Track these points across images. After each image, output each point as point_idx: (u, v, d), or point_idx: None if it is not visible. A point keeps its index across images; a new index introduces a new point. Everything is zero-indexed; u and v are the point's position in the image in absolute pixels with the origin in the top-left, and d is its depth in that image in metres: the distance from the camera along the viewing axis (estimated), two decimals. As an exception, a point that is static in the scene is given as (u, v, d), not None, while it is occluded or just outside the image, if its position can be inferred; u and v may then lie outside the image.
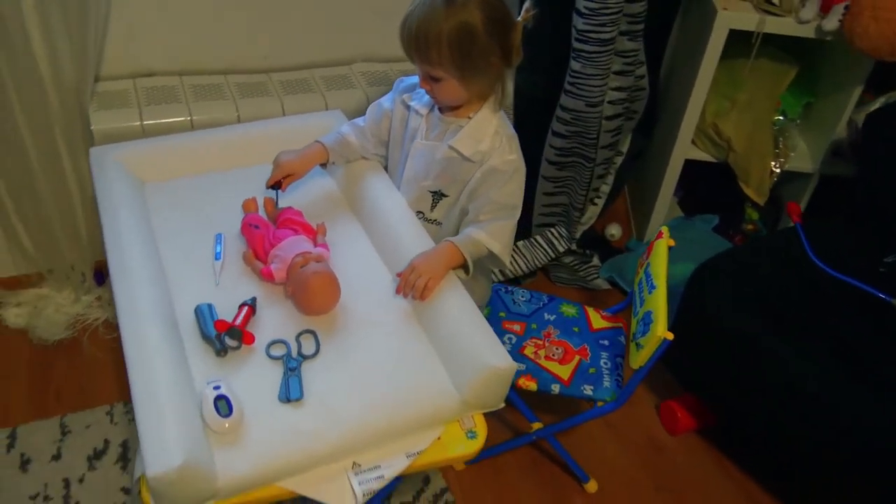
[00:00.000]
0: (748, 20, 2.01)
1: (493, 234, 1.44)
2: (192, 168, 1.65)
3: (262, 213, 1.56)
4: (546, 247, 2.35)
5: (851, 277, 1.81)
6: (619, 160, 2.36)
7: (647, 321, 1.50)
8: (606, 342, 1.78)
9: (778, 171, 2.26)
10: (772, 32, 2.03)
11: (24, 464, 1.78)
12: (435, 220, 1.56)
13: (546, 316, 1.83)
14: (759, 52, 2.11)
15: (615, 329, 1.82)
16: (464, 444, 1.24)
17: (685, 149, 2.30)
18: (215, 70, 2.05)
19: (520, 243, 2.35)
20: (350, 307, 1.38)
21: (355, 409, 1.21)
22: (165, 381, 1.16)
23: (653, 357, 1.47)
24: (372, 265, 1.49)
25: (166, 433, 1.07)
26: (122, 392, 1.92)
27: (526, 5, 1.41)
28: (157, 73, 2.00)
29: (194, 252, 1.46)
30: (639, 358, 1.50)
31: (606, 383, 1.67)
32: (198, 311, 1.32)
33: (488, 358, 1.24)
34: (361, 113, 1.65)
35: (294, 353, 1.28)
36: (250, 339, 1.28)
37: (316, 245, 1.44)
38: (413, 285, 1.34)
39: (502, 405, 1.30)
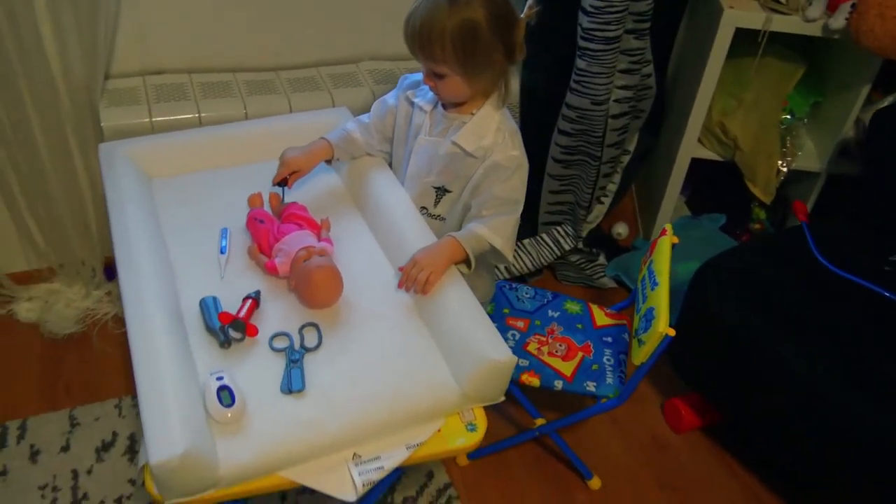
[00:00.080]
0: (754, 19, 2.01)
1: (495, 229, 1.45)
2: (199, 164, 1.67)
3: (267, 207, 1.58)
4: (552, 245, 2.36)
5: (856, 276, 1.81)
6: (625, 159, 2.36)
7: (649, 317, 1.50)
8: (610, 339, 1.78)
9: (785, 170, 2.26)
10: (778, 31, 2.03)
11: (34, 455, 1.80)
12: (438, 216, 1.58)
13: (550, 313, 1.84)
14: (766, 51, 2.11)
15: (619, 326, 1.82)
16: (464, 436, 1.25)
17: (691, 147, 2.30)
18: (224, 68, 2.07)
19: (526, 241, 2.36)
20: (353, 301, 1.39)
21: (356, 400, 1.22)
22: (169, 371, 1.17)
23: (654, 353, 1.47)
24: (375, 260, 1.50)
25: (170, 422, 1.09)
26: (130, 386, 1.94)
27: (529, 2, 1.42)
28: (166, 70, 2.03)
29: (200, 246, 1.48)
30: (641, 354, 1.51)
31: (609, 380, 1.68)
32: (203, 304, 1.33)
33: (488, 351, 1.25)
34: (368, 110, 1.66)
35: (297, 346, 1.30)
36: (254, 331, 1.30)
37: (320, 240, 1.46)
38: (415, 279, 1.35)
39: (502, 398, 1.31)
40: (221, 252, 1.46)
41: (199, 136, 1.74)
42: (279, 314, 1.36)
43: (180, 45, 2.01)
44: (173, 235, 1.49)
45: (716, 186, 2.59)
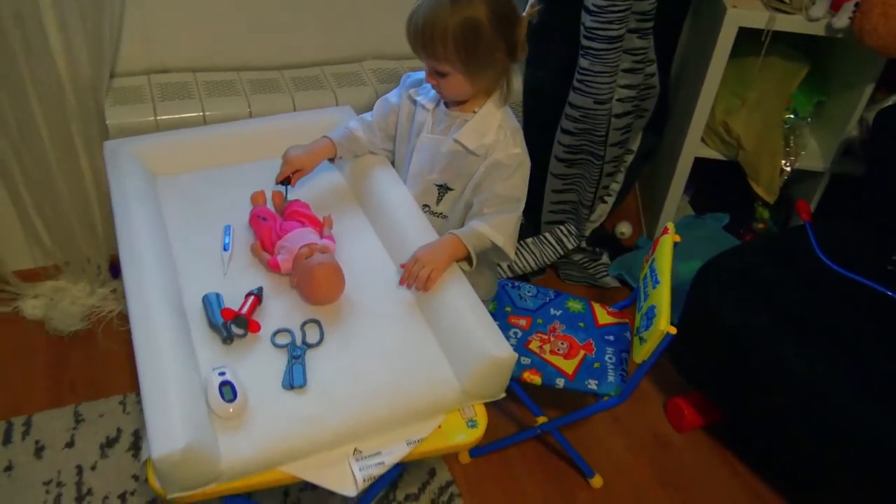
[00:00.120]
0: (758, 18, 2.01)
1: (496, 226, 1.45)
2: (202, 162, 1.68)
3: (270, 205, 1.59)
4: (555, 244, 2.36)
5: (859, 275, 1.80)
6: (629, 158, 2.36)
7: (650, 316, 1.50)
8: (612, 338, 1.79)
9: (788, 169, 2.26)
10: (782, 30, 2.02)
11: (39, 451, 1.81)
12: (441, 214, 1.58)
13: (552, 311, 1.84)
14: (770, 50, 2.11)
15: (621, 325, 1.83)
16: (464, 432, 1.26)
17: (695, 147, 2.30)
18: (228, 67, 2.08)
19: (529, 240, 2.36)
20: (354, 298, 1.40)
21: (357, 396, 1.23)
22: (172, 366, 1.18)
23: (656, 351, 1.48)
24: (377, 257, 1.51)
25: (172, 417, 1.10)
26: (134, 383, 1.95)
27: (531, 0, 1.43)
28: (171, 69, 2.04)
29: (203, 243, 1.49)
30: (642, 352, 1.51)
31: (611, 378, 1.68)
32: (205, 300, 1.34)
33: (489, 348, 1.25)
34: (371, 109, 1.67)
35: (298, 342, 1.31)
36: (256, 327, 1.31)
37: (322, 237, 1.47)
38: (416, 276, 1.36)
39: (503, 395, 1.32)
40: (224, 249, 1.48)
41: (203, 134, 1.75)
42: (281, 311, 1.37)
43: (185, 44, 2.02)
44: (177, 232, 1.51)
45: (719, 186, 2.59)
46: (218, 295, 1.35)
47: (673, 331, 1.43)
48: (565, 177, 2.24)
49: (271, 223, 1.48)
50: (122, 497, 1.74)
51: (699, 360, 1.89)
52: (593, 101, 2.04)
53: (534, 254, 2.35)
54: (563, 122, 2.12)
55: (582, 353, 1.74)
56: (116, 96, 1.91)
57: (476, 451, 1.88)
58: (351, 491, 1.17)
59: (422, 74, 1.52)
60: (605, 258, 2.46)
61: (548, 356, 1.72)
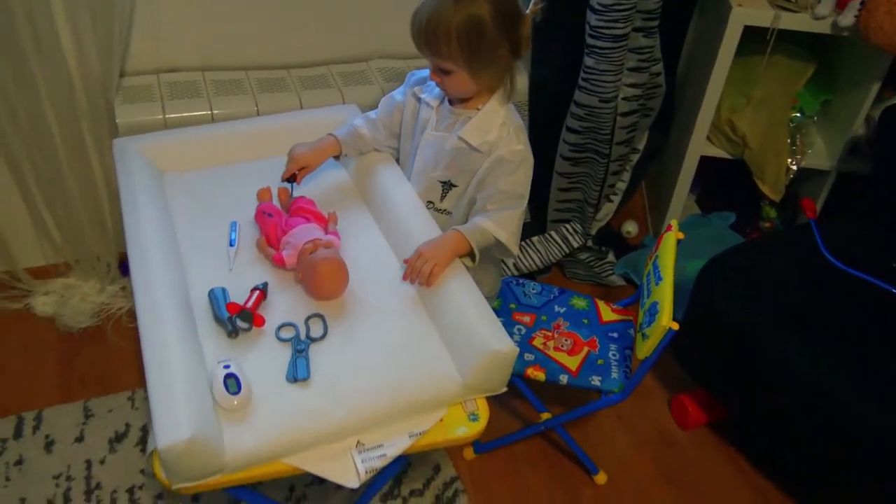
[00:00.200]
0: (763, 16, 2.02)
1: (499, 223, 1.46)
2: (210, 159, 1.70)
3: (275, 201, 1.60)
4: (560, 242, 2.37)
5: (864, 273, 1.80)
6: (635, 157, 2.37)
7: (652, 312, 1.51)
8: (616, 334, 1.79)
9: (794, 168, 2.25)
10: (787, 28, 2.02)
11: (49, 445, 1.84)
12: (445, 210, 1.59)
13: (556, 308, 1.85)
14: (776, 49, 2.11)
15: (625, 322, 1.83)
16: (466, 425, 1.27)
17: (700, 145, 2.30)
18: (236, 66, 2.10)
19: (534, 238, 2.37)
20: (358, 293, 1.42)
21: (360, 389, 1.25)
22: (178, 359, 1.20)
23: (658, 347, 1.48)
24: (381, 253, 1.53)
25: (177, 408, 1.12)
26: (142, 379, 1.93)
27: (534, -2, 1.44)
28: (180, 68, 2.06)
29: (210, 238, 1.51)
30: (644, 348, 1.51)
31: (614, 374, 1.68)
32: (211, 295, 1.36)
33: (490, 342, 1.27)
34: (377, 108, 1.68)
35: (302, 336, 1.32)
36: (261, 321, 1.32)
37: (327, 233, 1.48)
38: (419, 271, 1.37)
39: (504, 389, 1.33)
40: (231, 244, 1.50)
41: (211, 131, 1.78)
42: (286, 305, 1.39)
43: (194, 44, 2.05)
44: (184, 228, 1.53)
45: (726, 185, 2.58)
46: (224, 289, 1.37)
47: (675, 326, 1.43)
48: (571, 175, 2.25)
49: (276, 219, 1.50)
50: (131, 491, 1.76)
51: (703, 357, 1.89)
52: (598, 99, 2.04)
53: (539, 252, 2.36)
54: (569, 121, 2.13)
55: (586, 349, 1.74)
56: (126, 95, 1.94)
57: (480, 447, 1.89)
58: (353, 483, 1.18)
59: (426, 72, 1.53)
60: (610, 257, 2.47)
61: (552, 353, 1.73)
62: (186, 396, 1.15)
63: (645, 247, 2.54)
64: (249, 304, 1.34)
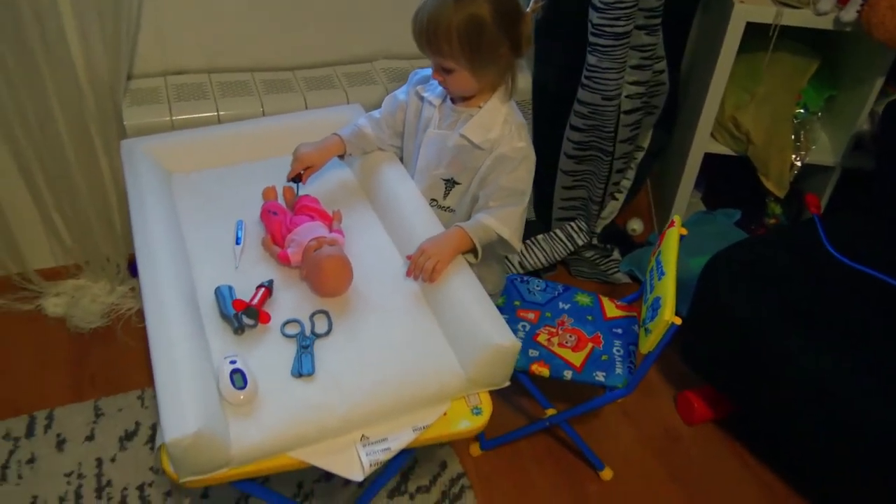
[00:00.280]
0: (765, 13, 2.02)
1: (502, 219, 1.47)
2: (216, 159, 1.73)
3: (281, 200, 1.62)
4: (565, 240, 2.38)
5: (869, 268, 1.80)
6: (639, 155, 2.37)
7: (655, 307, 1.52)
8: (620, 330, 1.80)
9: (799, 164, 2.26)
10: (789, 25, 2.03)
11: (60, 444, 1.86)
12: (448, 208, 1.61)
13: (560, 305, 1.86)
14: (779, 45, 2.11)
15: (629, 318, 1.84)
16: (469, 419, 1.29)
17: (704, 142, 2.31)
18: (242, 68, 2.12)
19: (539, 237, 2.38)
20: (362, 289, 1.43)
21: (365, 384, 1.26)
22: (185, 354, 1.22)
23: (661, 342, 1.49)
24: (385, 250, 1.54)
25: (184, 402, 1.14)
26: (152, 378, 1.98)
27: (535, -4, 1.45)
28: (187, 71, 2.09)
29: (216, 237, 1.53)
30: (648, 343, 1.52)
31: (618, 370, 1.69)
32: (218, 292, 1.38)
33: (493, 337, 1.28)
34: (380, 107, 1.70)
35: (307, 332, 1.34)
36: (266, 318, 1.34)
37: (331, 231, 1.50)
38: (422, 268, 1.39)
39: (507, 384, 1.34)
40: (237, 243, 1.51)
41: (217, 132, 1.80)
42: (291, 302, 1.41)
43: (200, 47, 2.07)
44: (191, 227, 1.55)
45: (732, 182, 2.59)
46: (230, 287, 1.39)
47: (678, 321, 1.44)
48: (575, 173, 2.26)
49: (281, 217, 1.51)
50: (141, 488, 1.78)
51: (708, 351, 1.89)
52: (601, 97, 2.05)
53: (544, 250, 2.37)
54: (572, 119, 2.14)
55: (590, 345, 1.75)
56: (133, 97, 1.96)
57: (486, 443, 1.91)
58: (358, 476, 1.20)
59: (429, 71, 1.55)
60: (616, 254, 2.47)
61: (556, 349, 1.74)
62: (193, 392, 1.16)
63: (650, 244, 2.54)
64: (255, 301, 1.36)
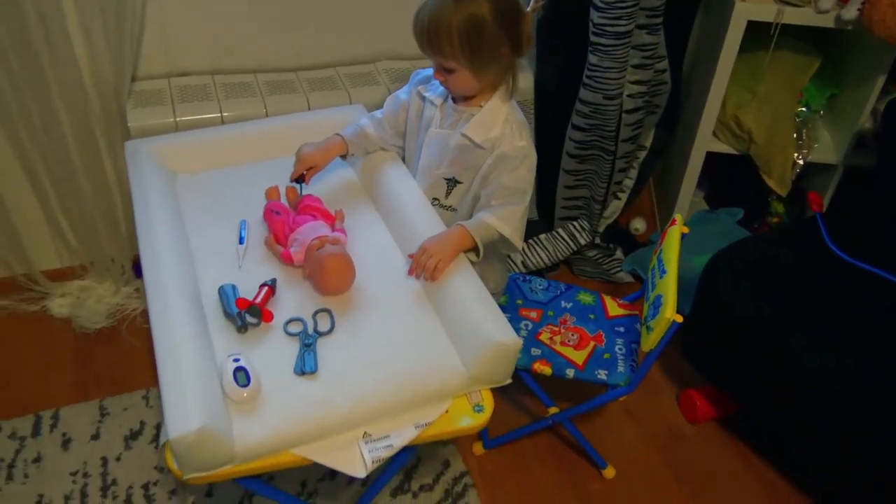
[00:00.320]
0: (766, 11, 2.03)
1: (503, 217, 1.48)
2: (219, 160, 1.74)
3: (283, 200, 1.63)
4: (568, 240, 2.38)
5: (871, 265, 1.80)
6: (642, 155, 2.38)
7: (657, 304, 1.52)
8: (622, 329, 1.80)
9: (801, 162, 2.26)
10: (790, 23, 2.03)
11: (66, 443, 1.88)
12: (450, 207, 1.62)
13: (563, 304, 1.87)
14: (781, 44, 2.12)
15: (631, 316, 1.84)
16: (471, 416, 1.29)
17: (706, 141, 2.31)
18: (245, 69, 2.14)
19: (542, 236, 2.39)
20: (365, 288, 1.44)
21: (367, 382, 1.27)
22: (189, 352, 1.23)
23: (663, 339, 1.49)
24: (387, 250, 1.55)
25: (188, 400, 1.14)
26: (156, 378, 2.00)
27: (535, -4, 1.46)
28: (190, 72, 2.10)
29: (220, 237, 1.54)
30: (649, 341, 1.53)
31: (620, 368, 1.70)
32: (221, 291, 1.39)
33: (494, 334, 1.28)
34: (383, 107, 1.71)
35: (310, 330, 1.35)
36: (269, 316, 1.35)
37: (334, 230, 1.51)
38: (423, 266, 1.40)
39: (509, 381, 1.35)
40: (240, 242, 1.52)
41: (220, 133, 1.81)
42: (294, 301, 1.42)
43: (204, 48, 2.08)
44: (195, 227, 1.56)
45: (735, 181, 2.59)
46: (233, 286, 1.40)
47: (679, 319, 1.44)
48: (577, 173, 2.27)
49: (284, 217, 1.52)
50: (146, 487, 1.79)
51: (710, 350, 1.89)
52: (602, 96, 2.06)
53: (547, 249, 2.38)
54: (574, 119, 2.14)
55: (592, 344, 1.76)
56: (138, 99, 1.98)
57: (489, 442, 1.91)
58: (360, 472, 1.20)
59: (430, 71, 1.56)
60: (619, 254, 2.48)
61: (558, 347, 1.74)
62: (197, 389, 1.17)
63: (653, 243, 2.54)
64: (258, 299, 1.37)
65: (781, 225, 2.46)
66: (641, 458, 1.95)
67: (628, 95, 2.10)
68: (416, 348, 1.33)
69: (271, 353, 1.31)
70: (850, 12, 1.95)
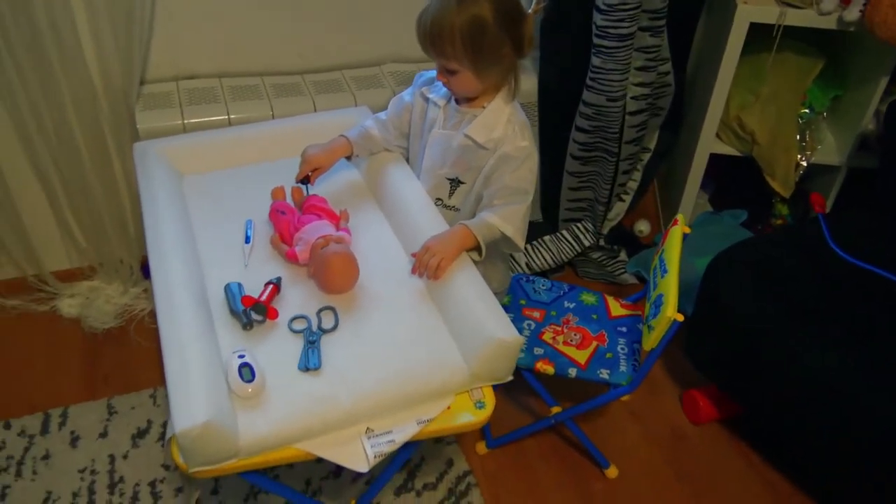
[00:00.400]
0: (768, 13, 2.04)
1: (505, 217, 1.50)
2: (226, 161, 1.76)
3: (289, 200, 1.65)
4: (572, 241, 2.39)
5: (873, 265, 1.81)
6: (646, 157, 2.39)
7: (658, 304, 1.53)
8: (624, 329, 1.81)
9: (804, 164, 2.26)
10: (793, 25, 2.04)
11: (74, 440, 1.90)
12: (453, 207, 1.64)
13: (566, 304, 1.88)
14: (784, 46, 2.13)
15: (634, 316, 1.85)
16: (472, 413, 1.31)
17: (710, 143, 2.32)
18: (252, 72, 2.16)
19: (546, 238, 2.40)
20: (368, 286, 1.46)
21: (370, 379, 1.28)
22: (195, 349, 1.25)
23: (664, 338, 1.50)
24: (391, 249, 1.57)
25: (193, 395, 1.16)
26: (164, 377, 2.03)
27: (536, -4, 1.48)
28: (198, 75, 2.13)
29: (226, 236, 1.57)
30: (650, 340, 1.54)
31: (623, 367, 1.71)
32: (227, 289, 1.41)
33: (496, 332, 1.30)
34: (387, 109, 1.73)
35: (314, 328, 1.37)
36: (274, 314, 1.37)
37: (338, 230, 1.53)
38: (426, 265, 1.41)
39: (510, 378, 1.36)
40: (246, 241, 1.55)
41: (227, 134, 1.84)
42: (299, 299, 1.43)
43: (211, 52, 2.11)
44: (202, 226, 1.58)
45: (739, 183, 2.59)
46: (239, 284, 1.42)
47: (680, 318, 1.46)
48: (581, 175, 2.28)
49: (290, 217, 1.54)
50: (152, 484, 1.81)
51: (713, 351, 1.90)
52: (606, 98, 2.07)
53: (551, 251, 2.39)
54: (578, 120, 2.16)
55: (594, 343, 1.77)
56: (146, 102, 2.00)
57: (492, 441, 1.92)
58: (363, 467, 1.22)
59: (434, 73, 1.57)
60: (623, 256, 2.49)
61: (561, 347, 1.75)
62: (202, 384, 1.19)
63: (657, 245, 2.55)
64: (263, 297, 1.39)
65: (783, 226, 2.46)
66: (644, 457, 1.96)
67: (632, 97, 2.12)
68: (419, 346, 1.35)
69: (276, 349, 1.33)
70: (852, 14, 1.96)
